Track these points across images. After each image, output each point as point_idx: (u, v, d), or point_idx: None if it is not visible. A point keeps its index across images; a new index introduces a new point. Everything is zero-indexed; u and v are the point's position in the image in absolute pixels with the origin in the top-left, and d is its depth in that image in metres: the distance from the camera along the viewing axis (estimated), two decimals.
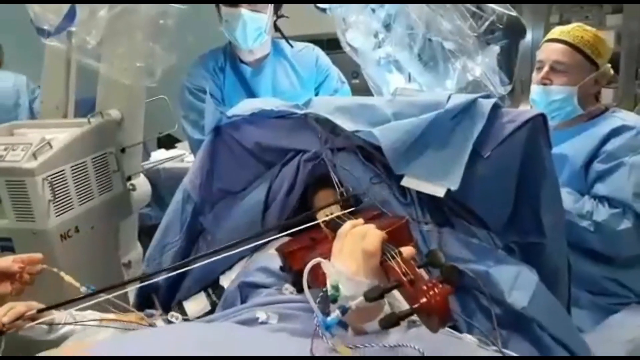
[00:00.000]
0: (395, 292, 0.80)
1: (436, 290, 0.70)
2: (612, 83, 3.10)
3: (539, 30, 3.30)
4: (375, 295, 0.75)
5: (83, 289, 1.11)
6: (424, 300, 0.70)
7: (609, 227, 1.48)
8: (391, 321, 0.73)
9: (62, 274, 1.14)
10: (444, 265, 0.78)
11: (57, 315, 1.11)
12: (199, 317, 1.24)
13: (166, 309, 1.29)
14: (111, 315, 1.19)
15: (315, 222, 1.16)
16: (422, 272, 0.79)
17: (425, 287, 0.71)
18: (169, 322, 1.23)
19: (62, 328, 1.11)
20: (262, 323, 0.99)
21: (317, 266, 0.92)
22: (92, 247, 1.71)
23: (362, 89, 1.87)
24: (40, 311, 1.08)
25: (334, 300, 0.80)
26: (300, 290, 1.09)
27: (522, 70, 1.73)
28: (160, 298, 1.34)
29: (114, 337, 1.11)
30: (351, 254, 0.83)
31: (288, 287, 1.11)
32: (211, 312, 1.25)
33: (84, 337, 1.14)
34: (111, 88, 1.84)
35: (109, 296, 1.09)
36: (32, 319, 1.06)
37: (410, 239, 1.03)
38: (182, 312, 1.26)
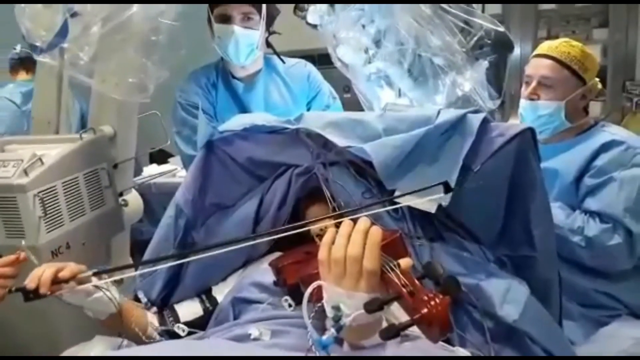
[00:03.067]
0: (392, 308, 0.81)
1: (437, 300, 0.71)
2: (599, 96, 3.14)
3: (527, 45, 3.34)
4: (375, 307, 0.76)
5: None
6: (425, 311, 0.71)
7: (599, 243, 1.49)
8: (392, 332, 0.74)
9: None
10: (443, 277, 0.78)
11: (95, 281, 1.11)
12: (190, 321, 1.24)
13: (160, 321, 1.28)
14: (125, 298, 1.21)
15: (308, 228, 1.16)
16: (420, 283, 0.79)
17: (425, 298, 0.72)
18: (161, 319, 1.23)
19: (97, 293, 1.10)
20: (254, 339, 0.98)
21: (313, 278, 0.91)
22: (83, 264, 1.69)
23: (353, 103, 1.88)
24: (96, 274, 1.08)
25: (338, 321, 0.79)
26: (295, 304, 1.09)
27: (511, 85, 1.76)
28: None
29: (108, 353, 1.11)
30: (341, 277, 0.81)
31: (287, 299, 1.10)
32: (203, 317, 1.25)
33: (79, 351, 1.14)
34: (103, 104, 1.84)
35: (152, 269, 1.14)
36: (81, 282, 1.05)
37: (405, 252, 1.03)
38: (174, 314, 1.26)
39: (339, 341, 0.90)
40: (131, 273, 1.21)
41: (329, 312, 0.80)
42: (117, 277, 1.15)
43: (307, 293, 0.82)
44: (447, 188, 1.08)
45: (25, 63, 3.10)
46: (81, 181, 1.71)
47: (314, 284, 0.83)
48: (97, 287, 1.08)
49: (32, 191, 1.52)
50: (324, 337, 0.76)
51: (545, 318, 1.13)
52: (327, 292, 0.82)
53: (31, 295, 1.00)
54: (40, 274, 1.01)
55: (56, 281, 1.02)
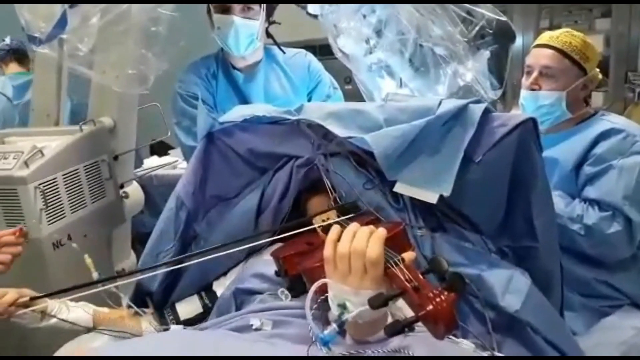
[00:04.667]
0: (397, 302, 0.80)
1: (442, 297, 0.71)
2: (602, 86, 3.13)
3: (529, 35, 3.33)
4: (379, 303, 0.75)
5: (95, 275, 1.13)
6: (430, 308, 0.70)
7: (599, 231, 1.49)
8: (396, 329, 0.73)
9: (85, 256, 1.16)
10: (448, 272, 0.77)
11: (50, 303, 1.12)
12: (190, 318, 1.25)
13: (160, 314, 1.28)
14: (104, 309, 1.20)
15: (312, 227, 1.16)
16: (425, 279, 0.79)
17: (431, 295, 0.72)
18: (160, 319, 1.23)
19: (51, 319, 1.11)
20: (256, 330, 0.99)
21: (315, 270, 0.91)
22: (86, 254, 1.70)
23: (355, 94, 1.87)
24: (33, 299, 1.09)
25: (341, 316, 0.79)
26: (295, 295, 1.09)
27: (513, 75, 1.75)
28: (154, 303, 1.33)
29: (108, 344, 1.11)
30: (347, 273, 0.81)
31: (284, 291, 1.10)
32: (203, 314, 1.26)
33: (80, 344, 1.14)
34: (103, 95, 1.84)
35: (102, 288, 1.09)
36: (25, 306, 1.06)
37: (409, 244, 1.03)
38: (175, 314, 1.27)
39: (342, 332, 0.90)
40: (77, 294, 1.12)
41: (335, 310, 0.80)
42: (72, 296, 1.12)
43: (311, 292, 0.81)
44: None
45: (17, 54, 2.97)
46: (82, 173, 1.71)
47: (319, 282, 0.82)
48: (43, 312, 1.09)
49: (33, 183, 1.52)
50: (326, 332, 0.76)
51: (547, 308, 1.12)
52: (333, 290, 0.82)
53: None
54: None
55: None
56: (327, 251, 0.84)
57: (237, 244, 1.14)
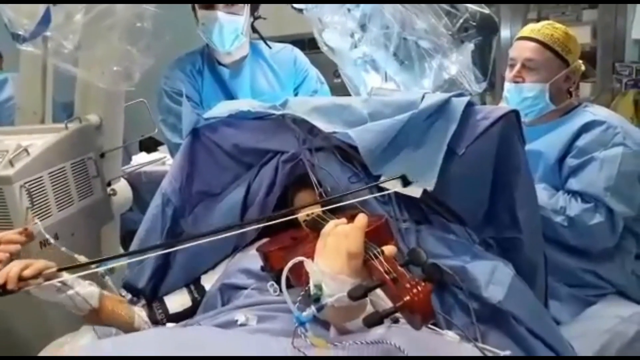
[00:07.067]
0: (378, 291, 0.82)
1: (419, 288, 0.72)
2: (589, 77, 3.14)
3: (517, 27, 3.32)
4: (359, 294, 0.76)
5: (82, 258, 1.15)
6: (407, 298, 0.72)
7: (581, 222, 1.51)
8: (375, 319, 0.74)
9: (76, 255, 1.17)
10: (426, 264, 0.79)
11: (66, 277, 1.11)
12: (179, 312, 1.25)
13: (150, 308, 1.28)
14: (106, 292, 1.21)
15: (295, 215, 1.17)
16: (403, 270, 0.81)
17: (408, 286, 0.73)
18: (149, 313, 1.24)
19: (69, 290, 1.10)
20: (241, 325, 0.99)
21: (300, 265, 0.92)
22: (75, 253, 1.69)
23: (343, 88, 1.88)
24: (59, 270, 1.08)
25: (317, 300, 0.80)
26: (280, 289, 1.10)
27: (503, 67, 1.76)
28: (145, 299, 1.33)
29: (93, 342, 1.11)
30: (335, 251, 0.84)
31: (273, 284, 1.11)
32: (192, 308, 1.26)
33: (63, 344, 1.14)
34: (89, 92, 1.82)
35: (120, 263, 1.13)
36: (49, 278, 1.06)
37: (391, 237, 1.04)
38: (164, 307, 1.27)
39: (326, 325, 0.91)
40: (97, 268, 1.16)
41: (312, 289, 0.81)
42: (102, 268, 1.15)
43: (286, 269, 0.84)
44: (405, 182, 1.13)
45: None
46: (68, 171, 1.70)
47: (294, 260, 0.85)
48: (64, 284, 1.08)
49: (19, 182, 1.51)
50: (304, 314, 0.77)
51: (530, 298, 1.14)
52: (311, 269, 0.84)
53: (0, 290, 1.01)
54: (9, 271, 1.02)
55: (22, 278, 1.02)
56: (326, 228, 0.89)
57: (229, 231, 1.15)
